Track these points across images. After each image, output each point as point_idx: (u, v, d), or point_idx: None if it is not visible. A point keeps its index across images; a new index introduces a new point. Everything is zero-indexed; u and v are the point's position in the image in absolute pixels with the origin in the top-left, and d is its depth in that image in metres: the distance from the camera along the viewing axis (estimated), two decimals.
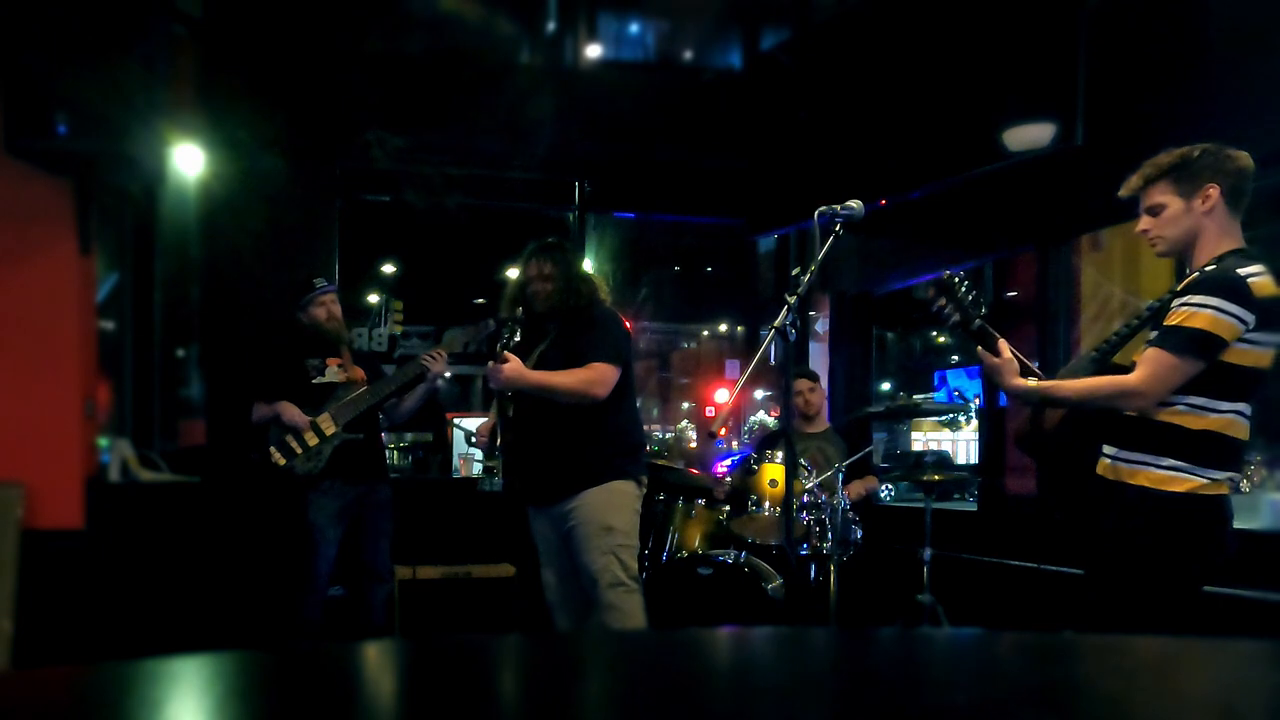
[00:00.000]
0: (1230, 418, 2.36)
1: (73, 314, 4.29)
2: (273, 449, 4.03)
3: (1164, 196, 2.46)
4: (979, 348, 2.55)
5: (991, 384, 2.63)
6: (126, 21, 3.82)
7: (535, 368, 3.35)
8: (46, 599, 4.09)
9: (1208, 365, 2.31)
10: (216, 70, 5.03)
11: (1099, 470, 2.52)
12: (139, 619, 4.25)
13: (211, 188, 4.99)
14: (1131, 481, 2.40)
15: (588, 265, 6.07)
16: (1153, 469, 2.37)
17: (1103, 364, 2.54)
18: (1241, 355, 2.32)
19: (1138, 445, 2.40)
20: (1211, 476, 2.35)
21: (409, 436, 5.95)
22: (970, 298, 2.55)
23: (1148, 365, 2.36)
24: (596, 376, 3.28)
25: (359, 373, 4.24)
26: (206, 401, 5.33)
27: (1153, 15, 3.92)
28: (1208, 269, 2.38)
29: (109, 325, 4.89)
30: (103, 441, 4.57)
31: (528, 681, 0.82)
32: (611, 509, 3.29)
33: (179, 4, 4.66)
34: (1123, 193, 2.53)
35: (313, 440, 4.03)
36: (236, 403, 4.47)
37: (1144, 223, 2.51)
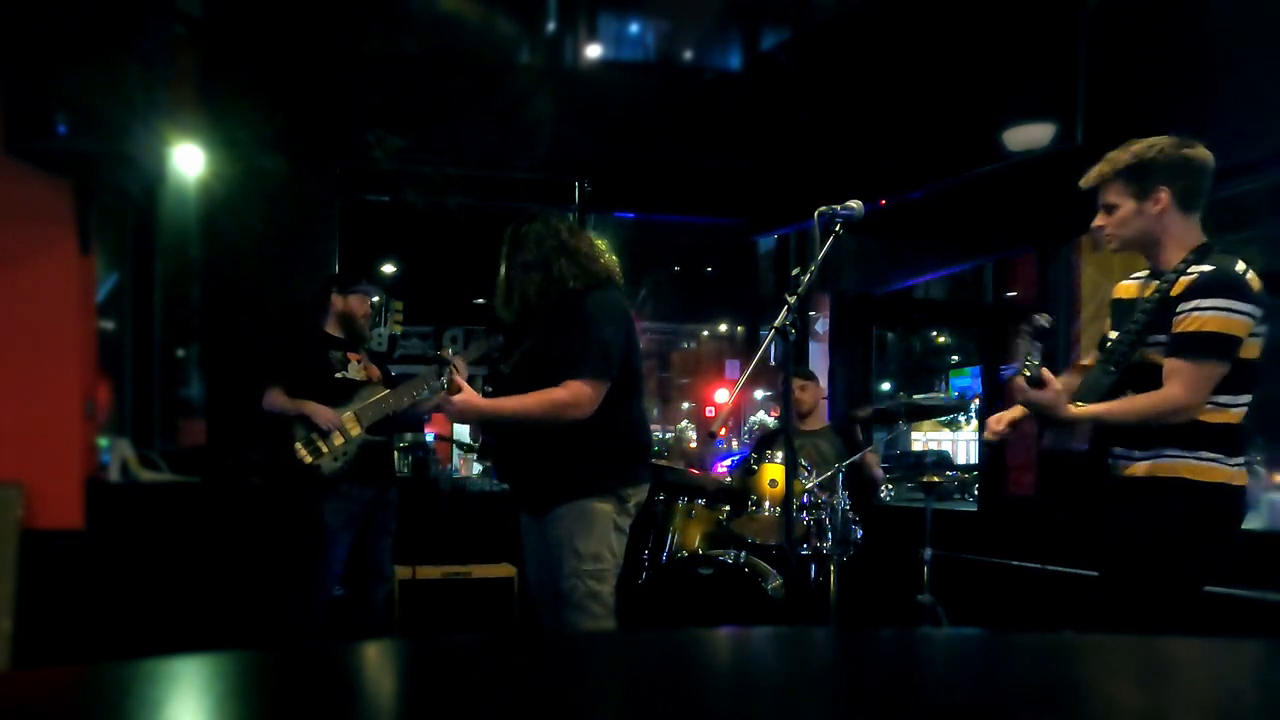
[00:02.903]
0: (1242, 409, 2.43)
1: (73, 314, 4.29)
2: (299, 446, 3.98)
3: (1117, 196, 2.49)
4: (1029, 389, 2.45)
5: (1042, 417, 2.52)
6: (126, 21, 3.82)
7: (514, 373, 3.07)
8: (46, 599, 4.09)
9: (1227, 364, 2.35)
10: (216, 70, 5.03)
11: (1124, 472, 2.50)
12: (139, 619, 4.25)
13: (211, 188, 5.00)
14: (1168, 475, 2.41)
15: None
16: (1190, 460, 2.40)
17: (1119, 375, 2.51)
18: (1248, 349, 2.38)
19: (1165, 441, 2.42)
20: (1237, 464, 2.42)
21: (409, 437, 5.95)
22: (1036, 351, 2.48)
23: (1182, 379, 2.37)
24: (570, 399, 2.88)
25: (376, 372, 4.24)
26: (206, 401, 5.34)
27: (1153, 15, 3.92)
28: (1206, 270, 2.39)
29: (109, 325, 4.89)
30: (103, 441, 4.57)
31: (527, 681, 0.82)
32: (580, 530, 2.98)
33: (179, 4, 4.67)
34: (1083, 184, 2.54)
35: (339, 440, 4.01)
36: (237, 402, 4.47)
37: (1099, 219, 2.54)
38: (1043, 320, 2.44)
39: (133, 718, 0.69)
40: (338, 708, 0.71)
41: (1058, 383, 2.45)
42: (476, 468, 6.63)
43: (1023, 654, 0.91)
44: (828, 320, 6.28)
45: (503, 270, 3.12)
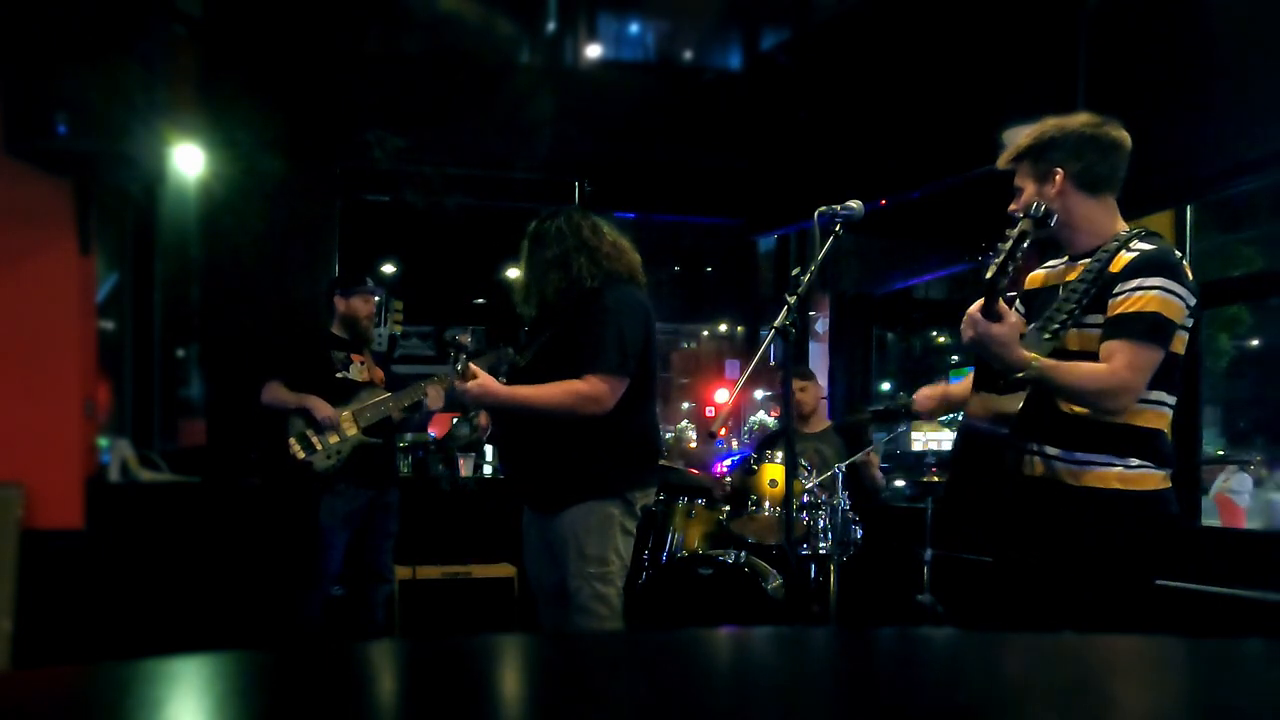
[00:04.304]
0: (1170, 412, 2.29)
1: (73, 314, 4.29)
2: (292, 441, 4.00)
3: (1021, 179, 2.39)
4: (981, 311, 2.16)
5: (987, 353, 2.19)
6: (126, 21, 3.82)
7: (530, 366, 3.03)
8: (46, 599, 4.09)
9: (1165, 352, 2.20)
10: (216, 70, 5.03)
11: (1041, 471, 2.33)
12: (139, 619, 4.25)
13: (211, 188, 5.00)
14: (1101, 486, 2.25)
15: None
16: (1121, 469, 2.24)
17: (1056, 351, 2.30)
18: (1179, 342, 2.24)
19: (1096, 446, 2.26)
20: (1165, 471, 2.28)
21: (409, 437, 5.96)
22: (1020, 255, 2.16)
23: (1124, 359, 2.17)
24: (590, 392, 2.85)
25: (379, 374, 4.25)
26: (206, 401, 5.34)
27: (1153, 15, 3.92)
28: (1147, 249, 2.24)
29: (109, 325, 4.89)
30: (103, 441, 4.57)
31: (527, 682, 0.82)
32: (587, 532, 2.95)
33: (179, 4, 4.67)
34: (999, 164, 2.44)
35: (333, 439, 4.02)
36: (237, 402, 4.47)
37: (1013, 203, 2.43)
38: (1040, 210, 2.12)
39: (133, 718, 0.69)
40: (338, 708, 0.71)
41: (1014, 315, 2.17)
42: (485, 468, 6.61)
43: (1023, 654, 0.91)
44: (828, 320, 6.28)
45: (522, 266, 3.09)
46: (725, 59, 6.14)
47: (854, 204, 2.74)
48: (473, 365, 2.86)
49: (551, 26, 5.66)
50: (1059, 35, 3.87)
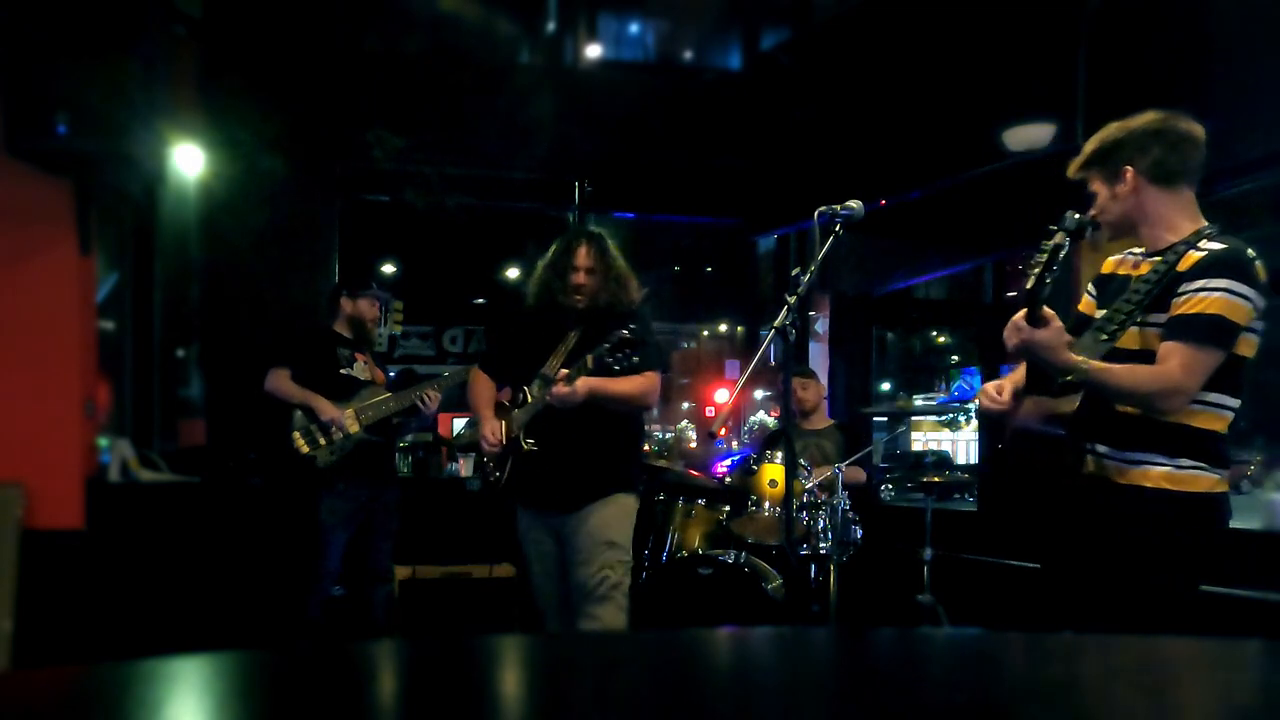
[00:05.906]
0: (1229, 415, 2.27)
1: (73, 314, 4.29)
2: (296, 435, 4.03)
3: (1094, 184, 2.39)
4: (1024, 318, 2.17)
5: (1034, 358, 2.21)
6: (126, 21, 3.82)
7: (597, 367, 3.18)
8: (46, 599, 4.09)
9: (1226, 355, 2.18)
10: (216, 70, 5.03)
11: (1096, 470, 2.34)
12: (139, 619, 4.25)
13: (211, 188, 5.00)
14: (1146, 484, 2.24)
15: None
16: (1170, 468, 2.23)
17: (1111, 347, 2.31)
18: (1244, 345, 2.22)
19: (1147, 444, 2.25)
20: (1220, 474, 2.26)
21: (409, 437, 5.96)
22: (1057, 267, 2.14)
23: (1180, 361, 2.16)
24: (652, 387, 3.22)
25: (380, 375, 4.30)
26: (206, 401, 5.34)
27: (1153, 15, 3.92)
28: (1218, 249, 2.21)
29: (109, 325, 4.89)
30: (103, 441, 4.56)
31: (527, 682, 0.82)
32: (615, 524, 3.18)
33: (179, 4, 4.67)
34: (1069, 174, 2.45)
35: (337, 435, 4.05)
36: (237, 402, 4.47)
37: (1091, 210, 2.39)
38: (1074, 222, 2.09)
39: (133, 718, 0.69)
40: (338, 708, 0.71)
41: (1057, 320, 2.16)
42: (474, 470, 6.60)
43: (1023, 654, 0.91)
44: (828, 320, 6.28)
45: (563, 258, 3.25)
46: (725, 59, 6.14)
47: (854, 204, 2.75)
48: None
49: (551, 26, 5.66)
50: (1059, 35, 3.87)
